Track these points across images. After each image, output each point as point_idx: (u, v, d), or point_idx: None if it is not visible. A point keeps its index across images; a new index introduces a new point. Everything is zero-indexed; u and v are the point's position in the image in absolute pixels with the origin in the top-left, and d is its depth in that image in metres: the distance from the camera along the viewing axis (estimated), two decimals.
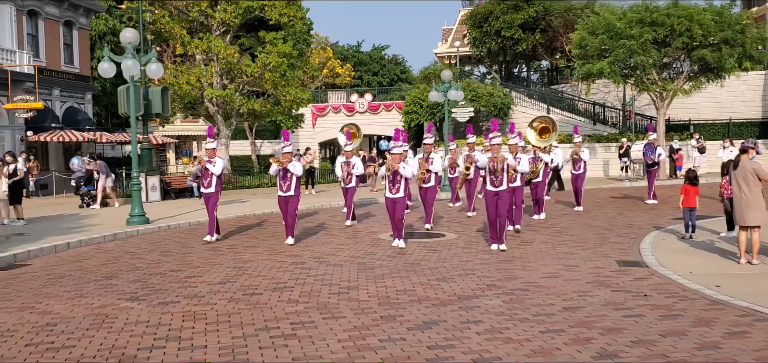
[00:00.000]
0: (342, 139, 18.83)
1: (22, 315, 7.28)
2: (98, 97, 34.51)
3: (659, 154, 18.89)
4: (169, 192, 23.33)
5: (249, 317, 6.89)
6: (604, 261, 9.80)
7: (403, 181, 11.31)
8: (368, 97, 46.05)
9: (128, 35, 15.28)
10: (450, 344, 5.81)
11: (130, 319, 6.94)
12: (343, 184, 14.82)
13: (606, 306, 7.05)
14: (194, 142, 45.76)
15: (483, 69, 52.19)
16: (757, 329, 6.08)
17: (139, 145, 30.23)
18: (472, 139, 16.75)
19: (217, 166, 12.56)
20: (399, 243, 11.38)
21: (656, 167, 18.72)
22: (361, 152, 24.22)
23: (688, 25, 24.90)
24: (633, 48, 25.11)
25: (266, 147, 44.22)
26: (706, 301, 7.16)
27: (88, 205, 20.31)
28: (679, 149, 28.39)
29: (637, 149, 20.14)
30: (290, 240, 12.05)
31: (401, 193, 11.34)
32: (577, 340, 5.85)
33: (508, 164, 11.00)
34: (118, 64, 15.56)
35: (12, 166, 16.09)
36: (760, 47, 28.03)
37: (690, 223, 11.90)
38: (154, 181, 22.69)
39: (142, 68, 16.55)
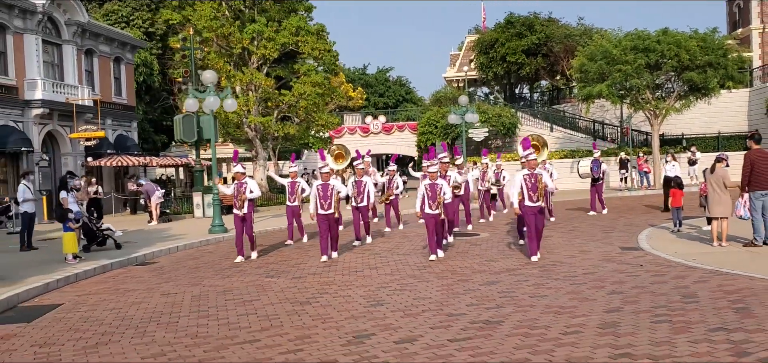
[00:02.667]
0: (330, 162, 19.00)
1: (192, 289, 10.24)
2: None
3: (604, 171, 20.69)
4: (222, 208, 26.29)
5: (364, 279, 9.91)
6: (610, 247, 12.79)
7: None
8: (382, 118, 49.15)
9: (208, 76, 18.40)
10: (511, 292, 8.81)
11: (279, 287, 9.94)
12: (353, 204, 15.30)
13: (613, 272, 10.04)
14: (223, 164, 48.78)
15: (486, 89, 55.45)
16: (715, 279, 9.06)
17: (192, 167, 33.41)
18: (485, 159, 19.62)
19: (255, 191, 13.29)
20: (440, 254, 12.04)
21: (601, 181, 20.05)
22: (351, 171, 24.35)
23: (676, 51, 28.12)
24: (628, 72, 28.31)
25: (285, 167, 47.29)
26: (684, 267, 10.15)
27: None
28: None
29: (584, 165, 21.52)
30: (335, 254, 12.77)
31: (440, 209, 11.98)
32: (595, 287, 8.84)
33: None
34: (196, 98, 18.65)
35: (95, 188, 19.07)
36: (740, 68, 31.23)
37: (677, 219, 14.93)
38: (209, 198, 25.66)
39: (199, 101, 19.54)
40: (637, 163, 31.08)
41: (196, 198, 25.69)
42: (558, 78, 43.58)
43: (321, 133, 34.20)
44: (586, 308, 7.56)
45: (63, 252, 13.16)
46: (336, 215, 12.78)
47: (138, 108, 36.75)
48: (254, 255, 13.39)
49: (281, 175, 23.55)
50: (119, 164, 29.65)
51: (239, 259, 12.98)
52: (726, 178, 12.40)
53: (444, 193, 12.02)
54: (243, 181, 13.28)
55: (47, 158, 26.97)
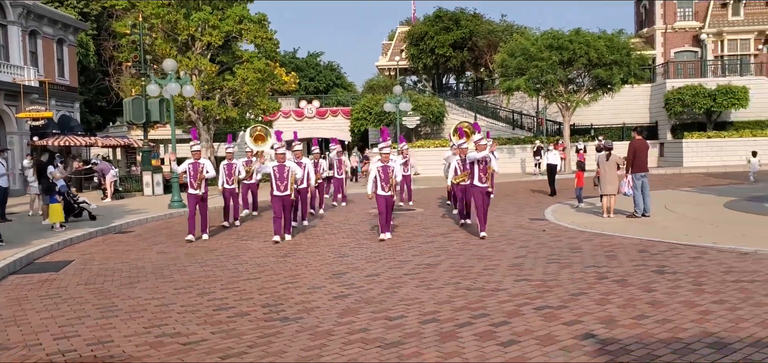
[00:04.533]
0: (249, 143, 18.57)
1: (181, 249, 12.28)
2: None
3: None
4: (169, 187, 27.87)
5: (326, 241, 12.22)
6: (521, 218, 15.55)
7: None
8: (316, 103, 51.06)
9: (169, 64, 20.10)
10: (445, 247, 11.32)
11: (256, 247, 12.13)
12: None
13: (522, 235, 12.72)
14: (161, 146, 49.64)
15: (415, 78, 58.27)
16: (598, 239, 11.83)
17: (134, 147, 34.67)
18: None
19: (211, 171, 13.56)
20: (388, 235, 12.52)
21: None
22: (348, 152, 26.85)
23: (586, 50, 31.54)
24: (543, 68, 31.53)
25: (221, 150, 48.63)
26: (576, 231, 12.93)
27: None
28: (584, 148, 35.00)
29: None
30: (288, 237, 12.82)
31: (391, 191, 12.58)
32: (507, 244, 11.47)
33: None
34: (159, 85, 20.34)
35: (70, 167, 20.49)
36: (641, 66, 35.11)
37: (578, 197, 17.91)
38: (158, 177, 27.23)
39: (143, 84, 21.16)
40: (554, 149, 34.42)
41: (146, 177, 27.15)
42: (482, 70, 46.78)
43: (259, 117, 35.96)
44: (500, 256, 10.16)
45: (50, 221, 14.84)
46: (291, 197, 12.75)
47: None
48: (205, 236, 13.28)
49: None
50: (67, 144, 30.60)
51: (190, 237, 12.87)
52: (619, 161, 15.31)
53: (396, 175, 12.55)
54: (199, 160, 13.40)
55: None
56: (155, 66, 30.30)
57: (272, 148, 13.49)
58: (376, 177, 12.48)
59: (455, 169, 13.86)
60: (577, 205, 17.68)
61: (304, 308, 7.12)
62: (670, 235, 11.64)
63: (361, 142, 44.45)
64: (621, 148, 19.57)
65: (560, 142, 34.43)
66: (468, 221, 14.31)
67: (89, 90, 42.53)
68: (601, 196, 15.58)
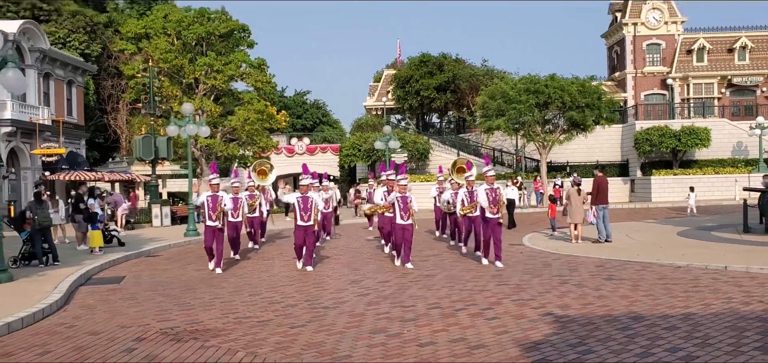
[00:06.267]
0: (253, 177, 19.52)
1: (211, 267, 14.45)
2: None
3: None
4: (175, 218, 29.94)
5: (343, 260, 14.46)
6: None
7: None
8: (306, 140, 53.49)
9: (187, 108, 22.39)
10: (439, 264, 13.59)
11: (279, 266, 14.32)
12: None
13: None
14: (160, 180, 51.73)
15: (399, 116, 61.03)
16: (565, 258, 14.15)
17: (147, 182, 36.64)
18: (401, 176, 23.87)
19: (229, 205, 14.14)
20: (410, 265, 12.90)
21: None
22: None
23: (560, 94, 34.34)
24: (521, 110, 34.25)
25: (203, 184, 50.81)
26: (548, 252, 15.28)
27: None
28: (561, 184, 37.67)
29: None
30: (309, 268, 13.03)
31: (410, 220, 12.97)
32: (491, 263, 13.79)
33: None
34: (178, 125, 22.60)
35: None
36: (612, 110, 38.02)
37: (552, 226, 20.34)
38: (167, 209, 29.31)
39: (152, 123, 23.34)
40: (533, 185, 37.03)
41: (155, 209, 29.22)
42: (464, 110, 49.58)
43: (257, 155, 38.28)
44: (485, 270, 12.48)
45: (91, 245, 16.95)
46: (315, 228, 13.13)
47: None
48: (219, 270, 13.29)
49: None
50: (77, 179, 32.56)
51: (211, 266, 13.53)
52: (584, 197, 17.76)
53: (414, 205, 13.10)
54: (218, 193, 13.74)
55: (14, 172, 29.75)
56: (163, 106, 32.56)
57: (299, 180, 13.91)
58: (394, 204, 13.03)
59: (463, 200, 14.27)
60: (551, 233, 20.07)
61: (338, 301, 9.39)
62: (624, 255, 14.03)
63: (349, 177, 46.84)
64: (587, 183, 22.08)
65: (538, 178, 37.06)
66: (464, 249, 15.36)
67: (88, 127, 44.63)
68: (570, 224, 18.00)
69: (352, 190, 38.41)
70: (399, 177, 14.04)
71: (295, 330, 7.70)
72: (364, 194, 26.13)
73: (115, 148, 52.23)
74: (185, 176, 47.45)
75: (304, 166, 14.30)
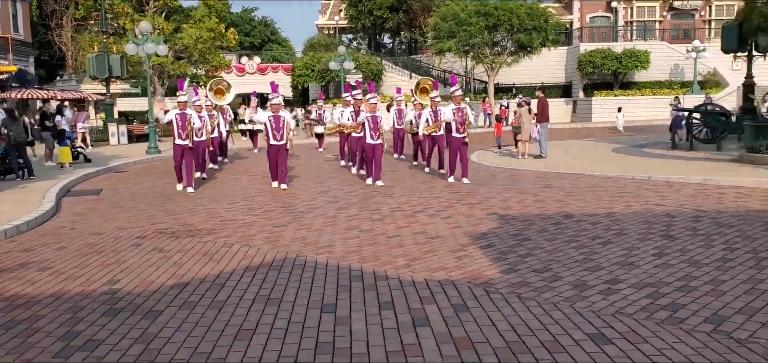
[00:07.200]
0: (210, 96, 19.78)
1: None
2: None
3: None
4: (132, 137, 30.33)
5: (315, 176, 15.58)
6: None
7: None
8: (257, 59, 53.43)
9: (145, 26, 22.68)
10: (403, 178, 14.86)
11: (248, 182, 15.35)
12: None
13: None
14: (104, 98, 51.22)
15: (351, 36, 61.27)
16: (510, 171, 15.60)
17: (98, 101, 36.62)
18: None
19: (197, 123, 13.98)
20: (380, 183, 13.21)
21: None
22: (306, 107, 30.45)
23: (509, 16, 35.47)
24: (472, 32, 35.32)
25: (168, 102, 50.65)
26: (495, 167, 16.72)
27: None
28: (507, 105, 39.23)
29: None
30: (284, 186, 13.13)
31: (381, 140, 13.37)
32: (444, 176, 15.11)
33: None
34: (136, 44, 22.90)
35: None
36: (558, 32, 39.44)
37: (498, 144, 21.81)
38: (123, 128, 29.67)
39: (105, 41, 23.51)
40: (482, 106, 38.46)
41: (111, 127, 29.52)
42: (416, 31, 50.25)
43: (210, 73, 38.43)
44: (438, 181, 13.80)
45: (61, 161, 17.58)
46: (287, 146, 13.17)
47: None
48: (190, 189, 13.19)
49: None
50: (29, 97, 32.40)
51: (180, 187, 13.40)
52: (530, 115, 19.17)
53: (383, 125, 13.54)
54: (186, 110, 13.52)
55: None
56: (114, 24, 32.34)
57: (268, 99, 13.84)
58: (364, 123, 13.40)
59: (427, 120, 14.51)
60: (498, 150, 21.56)
61: (311, 207, 10.58)
62: (563, 168, 15.56)
63: (302, 97, 47.33)
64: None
65: (486, 99, 38.49)
66: (428, 169, 15.68)
67: (33, 44, 43.73)
68: (518, 142, 19.46)
69: (299, 111, 38.95)
70: (369, 96, 14.14)
71: (279, 228, 8.86)
72: (314, 115, 26.91)
73: (62, 65, 51.29)
74: (136, 95, 47.40)
75: (273, 84, 13.99)
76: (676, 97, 26.40)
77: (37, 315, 5.46)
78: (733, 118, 19.89)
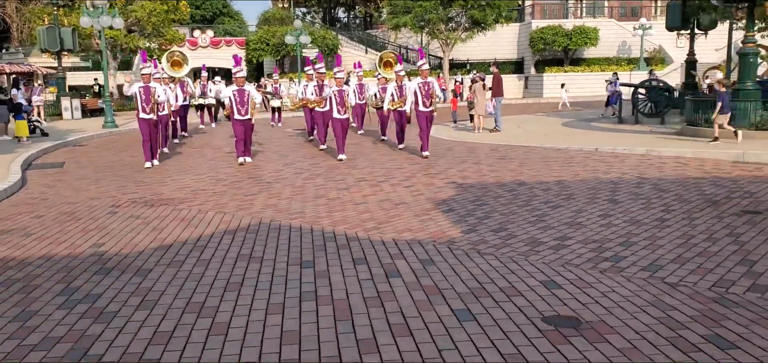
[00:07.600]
0: (167, 69, 19.48)
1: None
2: None
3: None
4: (85, 111, 29.95)
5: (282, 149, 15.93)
6: (409, 135, 19.86)
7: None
8: (210, 32, 52.79)
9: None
10: (368, 150, 15.34)
11: (213, 155, 15.62)
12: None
13: (412, 145, 16.96)
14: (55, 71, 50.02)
15: (305, 9, 61.02)
16: (467, 145, 16.26)
17: (46, 74, 35.90)
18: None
19: (162, 96, 13.66)
20: (343, 157, 13.31)
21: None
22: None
23: None
24: (427, 7, 35.81)
25: (120, 77, 49.75)
26: (451, 140, 17.36)
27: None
28: (461, 80, 39.97)
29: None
30: (248, 159, 13.20)
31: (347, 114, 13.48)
32: (406, 150, 15.65)
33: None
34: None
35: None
36: (511, 9, 40.27)
37: (454, 119, 22.47)
38: (77, 102, 29.29)
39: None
40: (437, 81, 39.04)
41: (65, 102, 29.10)
42: (371, 5, 50.53)
43: (163, 47, 38.01)
44: (399, 153, 14.34)
45: (18, 135, 17.47)
46: (252, 121, 13.05)
47: None
48: (156, 161, 13.33)
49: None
50: None
51: (148, 165, 13.05)
52: (484, 91, 19.84)
53: (350, 99, 13.62)
54: (150, 83, 13.24)
55: None
56: None
57: (233, 72, 13.29)
58: (331, 99, 13.34)
59: (392, 95, 14.65)
60: (454, 125, 22.22)
61: (278, 178, 11.00)
62: (516, 141, 16.27)
63: (256, 72, 47.15)
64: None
65: (440, 76, 39.13)
66: (401, 146, 15.33)
67: None
68: (473, 116, 20.13)
69: (250, 85, 38.72)
70: (335, 70, 13.95)
71: (250, 197, 9.28)
72: (269, 88, 27.01)
73: (6, 38, 49.79)
74: (86, 69, 46.45)
75: (237, 58, 13.72)
76: (615, 73, 27.65)
77: (32, 275, 5.80)
78: (676, 94, 21.01)
